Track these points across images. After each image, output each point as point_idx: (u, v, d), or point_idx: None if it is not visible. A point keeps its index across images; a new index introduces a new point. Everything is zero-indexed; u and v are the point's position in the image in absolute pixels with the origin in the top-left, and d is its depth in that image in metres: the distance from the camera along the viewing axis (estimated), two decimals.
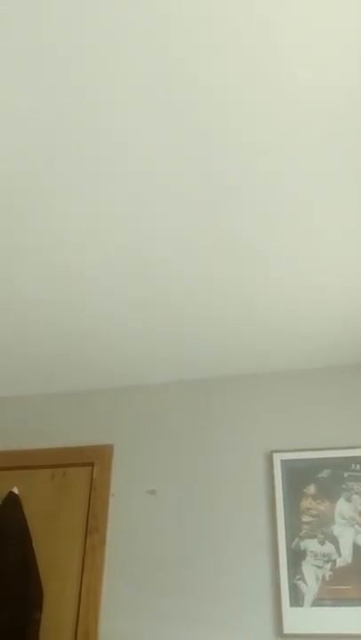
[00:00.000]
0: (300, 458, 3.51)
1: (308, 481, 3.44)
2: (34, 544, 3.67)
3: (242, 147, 2.38)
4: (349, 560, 3.24)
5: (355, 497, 3.36)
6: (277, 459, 3.53)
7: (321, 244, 2.87)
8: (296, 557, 3.29)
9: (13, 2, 1.90)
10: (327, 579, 3.21)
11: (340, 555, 3.25)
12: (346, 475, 3.42)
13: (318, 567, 3.24)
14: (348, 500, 3.36)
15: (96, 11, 1.93)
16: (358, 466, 3.43)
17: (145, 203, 2.65)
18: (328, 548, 3.27)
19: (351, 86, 2.15)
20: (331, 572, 3.22)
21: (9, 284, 3.17)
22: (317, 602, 3.18)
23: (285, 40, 2.01)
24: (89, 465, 3.90)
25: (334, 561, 3.23)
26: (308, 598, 3.19)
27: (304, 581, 3.22)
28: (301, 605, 3.19)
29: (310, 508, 3.37)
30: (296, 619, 3.17)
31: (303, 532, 3.33)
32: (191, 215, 2.72)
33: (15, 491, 3.83)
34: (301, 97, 2.19)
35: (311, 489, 3.41)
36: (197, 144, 2.37)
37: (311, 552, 3.28)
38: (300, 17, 1.95)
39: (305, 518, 3.36)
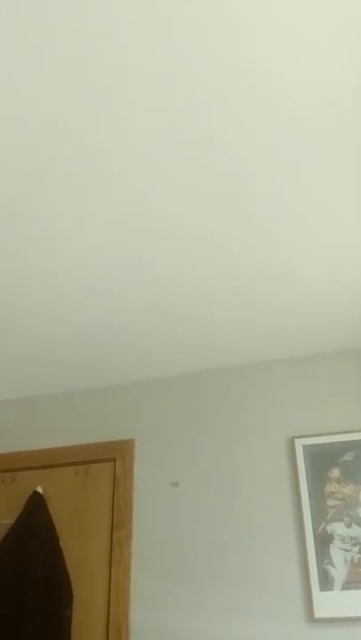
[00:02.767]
0: (321, 442, 3.50)
1: (331, 465, 3.43)
2: (61, 542, 3.68)
3: (240, 153, 2.42)
4: None
5: None
6: (299, 444, 3.53)
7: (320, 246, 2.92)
8: (323, 542, 3.28)
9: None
10: (356, 561, 3.20)
11: None
12: None
13: (346, 550, 3.23)
14: None
15: (95, 16, 1.93)
16: None
17: (145, 203, 2.66)
18: (355, 530, 3.26)
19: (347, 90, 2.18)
20: (359, 555, 3.21)
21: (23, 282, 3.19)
22: (347, 585, 3.17)
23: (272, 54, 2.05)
24: (111, 460, 3.90)
25: None
26: (338, 582, 3.19)
27: (333, 565, 3.22)
28: (331, 589, 3.19)
29: (335, 492, 3.36)
30: (327, 603, 3.16)
31: (329, 515, 3.33)
32: (191, 217, 2.74)
33: (39, 490, 3.85)
34: (299, 105, 2.23)
35: (335, 472, 3.40)
36: (196, 148, 2.40)
37: (338, 535, 3.27)
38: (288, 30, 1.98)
39: (330, 502, 3.35)
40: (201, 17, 1.94)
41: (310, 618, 3.17)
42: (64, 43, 2.00)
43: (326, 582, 3.20)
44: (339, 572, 3.20)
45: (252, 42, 2.01)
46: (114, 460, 3.90)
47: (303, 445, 3.52)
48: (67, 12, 1.92)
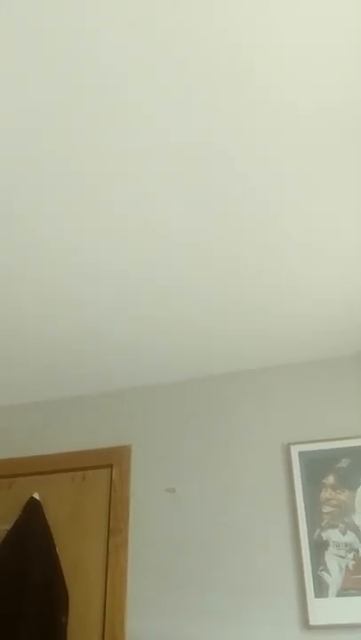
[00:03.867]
0: (317, 449, 3.50)
1: (326, 471, 3.43)
2: (57, 548, 3.68)
3: (243, 167, 2.46)
4: None
5: None
6: (295, 451, 3.53)
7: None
8: (318, 548, 3.28)
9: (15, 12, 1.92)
10: (351, 568, 3.20)
11: None
12: None
13: (341, 557, 3.23)
14: None
15: (96, 24, 1.95)
16: None
17: (146, 216, 2.70)
18: (350, 537, 3.26)
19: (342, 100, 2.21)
20: (354, 562, 3.21)
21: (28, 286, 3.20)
22: (342, 592, 3.17)
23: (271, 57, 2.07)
24: (108, 467, 3.91)
25: (357, 550, 3.22)
26: (333, 589, 3.19)
27: (328, 572, 3.22)
28: (326, 596, 3.18)
29: (330, 499, 3.36)
30: (322, 610, 3.16)
31: (324, 522, 3.33)
32: (191, 230, 2.77)
33: (36, 496, 3.85)
34: (300, 118, 2.26)
35: (330, 479, 3.40)
36: (198, 161, 2.42)
37: (333, 542, 3.27)
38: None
39: (325, 509, 3.35)
40: (201, 27, 1.96)
41: (305, 625, 3.16)
42: (63, 47, 2.02)
43: (321, 589, 3.20)
44: (334, 578, 3.20)
45: (251, 49, 2.03)
46: (110, 466, 3.90)
47: (299, 452, 3.52)
48: (68, 19, 1.94)
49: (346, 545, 3.25)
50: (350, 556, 3.22)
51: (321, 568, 3.23)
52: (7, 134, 2.29)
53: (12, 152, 2.36)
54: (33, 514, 3.80)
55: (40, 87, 2.13)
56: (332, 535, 3.29)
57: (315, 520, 3.35)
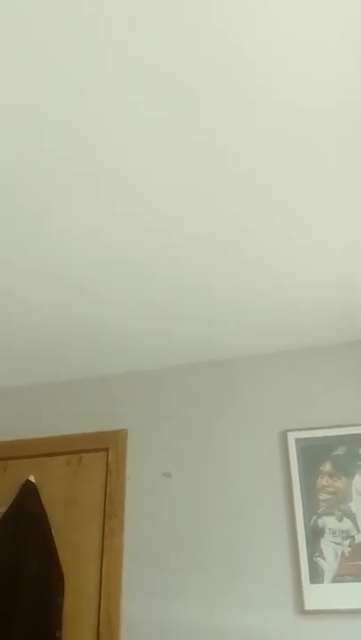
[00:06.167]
0: (314, 436, 3.52)
1: (323, 459, 3.45)
2: (53, 531, 3.69)
3: (239, 167, 2.46)
4: None
5: None
6: (292, 438, 3.55)
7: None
8: (315, 535, 3.31)
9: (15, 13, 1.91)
10: (346, 555, 3.23)
11: (358, 531, 3.27)
12: None
13: (337, 544, 3.26)
14: None
15: (97, 26, 1.95)
16: None
17: (141, 206, 2.69)
18: (346, 524, 3.29)
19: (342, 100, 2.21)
20: (350, 548, 3.24)
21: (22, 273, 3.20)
22: (337, 578, 3.21)
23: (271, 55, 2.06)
24: (104, 450, 3.92)
25: (353, 537, 3.25)
26: (328, 575, 3.22)
27: (323, 558, 3.25)
28: (322, 582, 3.22)
29: (327, 486, 3.39)
30: (317, 595, 3.20)
31: (321, 509, 3.36)
32: (191, 230, 2.79)
33: (32, 479, 3.86)
34: (300, 118, 2.26)
35: (327, 466, 3.43)
36: (196, 159, 2.42)
37: (329, 529, 3.30)
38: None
39: (322, 496, 3.38)
40: (201, 27, 1.95)
41: (301, 609, 3.20)
42: (63, 47, 2.02)
43: (317, 575, 3.24)
44: (329, 564, 3.24)
45: (251, 49, 2.03)
46: (106, 449, 3.91)
47: (296, 439, 3.53)
48: (69, 21, 1.93)
49: (342, 532, 3.28)
50: (346, 542, 3.26)
51: (317, 554, 3.27)
52: (7, 134, 2.28)
53: (12, 152, 2.36)
54: (28, 496, 3.81)
55: (40, 87, 2.12)
56: (329, 522, 3.32)
57: (311, 507, 3.38)
